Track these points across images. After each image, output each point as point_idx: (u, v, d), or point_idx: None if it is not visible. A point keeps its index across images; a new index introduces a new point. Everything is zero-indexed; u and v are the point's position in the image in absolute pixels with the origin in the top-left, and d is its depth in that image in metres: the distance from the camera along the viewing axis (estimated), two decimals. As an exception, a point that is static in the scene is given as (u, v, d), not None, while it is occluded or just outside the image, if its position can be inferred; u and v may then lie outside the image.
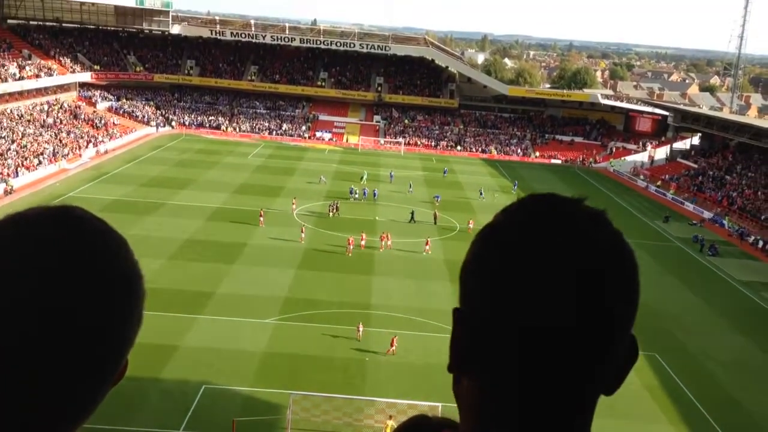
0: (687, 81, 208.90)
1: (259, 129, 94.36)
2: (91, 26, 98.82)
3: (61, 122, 76.20)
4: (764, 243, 55.95)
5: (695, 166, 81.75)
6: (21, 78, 75.73)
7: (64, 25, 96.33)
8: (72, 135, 73.13)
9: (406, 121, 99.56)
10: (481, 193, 64.64)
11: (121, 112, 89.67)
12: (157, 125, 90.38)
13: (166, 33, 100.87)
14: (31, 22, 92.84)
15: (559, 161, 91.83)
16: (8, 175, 56.66)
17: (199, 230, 47.61)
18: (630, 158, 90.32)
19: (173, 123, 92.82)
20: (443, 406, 24.00)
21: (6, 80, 73.02)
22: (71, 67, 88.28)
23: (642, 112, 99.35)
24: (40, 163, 62.06)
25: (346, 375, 28.99)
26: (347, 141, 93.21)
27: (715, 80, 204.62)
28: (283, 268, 41.22)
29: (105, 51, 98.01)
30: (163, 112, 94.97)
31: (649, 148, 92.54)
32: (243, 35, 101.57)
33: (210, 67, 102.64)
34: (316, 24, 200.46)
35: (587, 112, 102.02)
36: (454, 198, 63.71)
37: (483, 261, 1.11)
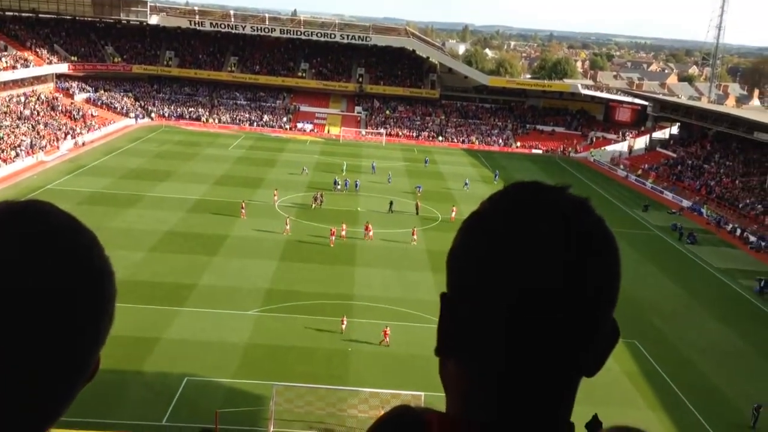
0: (666, 71, 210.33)
1: (239, 120, 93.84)
2: (68, 17, 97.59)
3: (38, 114, 75.31)
4: (742, 231, 56.63)
5: (674, 155, 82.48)
6: (-3, 69, 74.69)
7: (40, 15, 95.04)
8: (49, 127, 72.32)
9: (388, 111, 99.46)
10: (466, 184, 64.72)
11: (99, 103, 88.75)
12: (136, 117, 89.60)
13: (144, 23, 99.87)
14: (7, 13, 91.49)
15: (540, 151, 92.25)
16: (-15, 167, 55.94)
17: (180, 222, 47.35)
18: (610, 148, 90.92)
19: (152, 114, 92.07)
20: (426, 395, 24.12)
21: (-19, 72, 71.98)
22: (48, 58, 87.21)
23: (621, 102, 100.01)
24: (17, 155, 61.32)
25: (329, 365, 29.03)
26: (328, 132, 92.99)
27: (693, 70, 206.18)
28: (265, 259, 41.13)
29: (82, 42, 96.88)
30: (142, 104, 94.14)
31: (628, 137, 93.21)
32: (222, 26, 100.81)
33: (189, 58, 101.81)
34: (297, 14, 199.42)
35: (567, 102, 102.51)
36: (435, 188, 63.83)
37: (469, 248, 1.13)
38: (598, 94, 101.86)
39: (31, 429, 1.06)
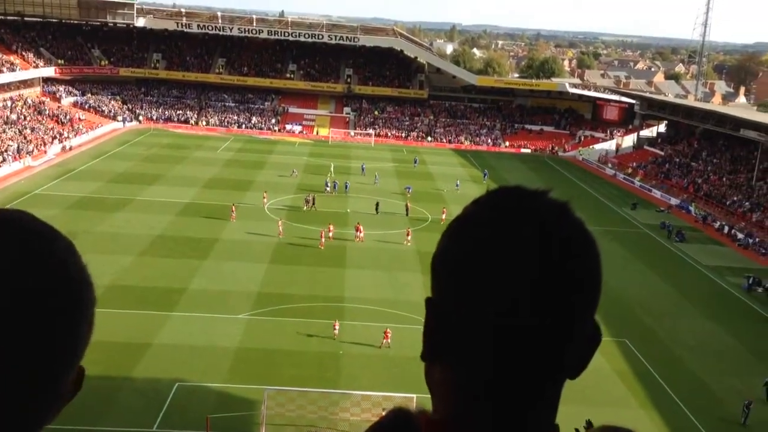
0: (653, 69, 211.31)
1: (228, 122, 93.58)
2: (54, 20, 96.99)
3: (25, 118, 74.82)
4: (730, 228, 56.97)
5: (662, 153, 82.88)
6: (-18, 74, 74.16)
7: (26, 19, 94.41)
8: (36, 131, 71.87)
9: (376, 112, 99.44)
10: (457, 185, 64.71)
11: (86, 107, 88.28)
12: (124, 120, 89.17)
13: (131, 26, 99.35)
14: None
15: (528, 150, 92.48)
16: (-29, 173, 55.54)
17: (170, 226, 47.17)
18: (598, 146, 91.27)
19: (140, 117, 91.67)
20: (418, 397, 24.13)
21: (-33, 76, 71.46)
22: (34, 62, 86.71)
23: (609, 101, 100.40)
24: (3, 160, 60.91)
25: (321, 369, 29.01)
26: (317, 133, 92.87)
27: (680, 68, 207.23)
28: (255, 262, 41.04)
29: (69, 45, 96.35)
30: (130, 107, 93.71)
31: (616, 136, 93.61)
32: (210, 27, 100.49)
33: (177, 61, 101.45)
34: (284, 15, 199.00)
35: (555, 101, 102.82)
36: (425, 189, 63.87)
37: (452, 253, 1.15)
38: (585, 92, 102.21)
39: None
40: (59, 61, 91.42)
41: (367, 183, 64.31)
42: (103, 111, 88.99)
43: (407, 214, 53.69)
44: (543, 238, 1.10)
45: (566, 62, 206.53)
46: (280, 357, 29.68)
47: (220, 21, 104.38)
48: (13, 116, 73.92)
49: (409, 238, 46.70)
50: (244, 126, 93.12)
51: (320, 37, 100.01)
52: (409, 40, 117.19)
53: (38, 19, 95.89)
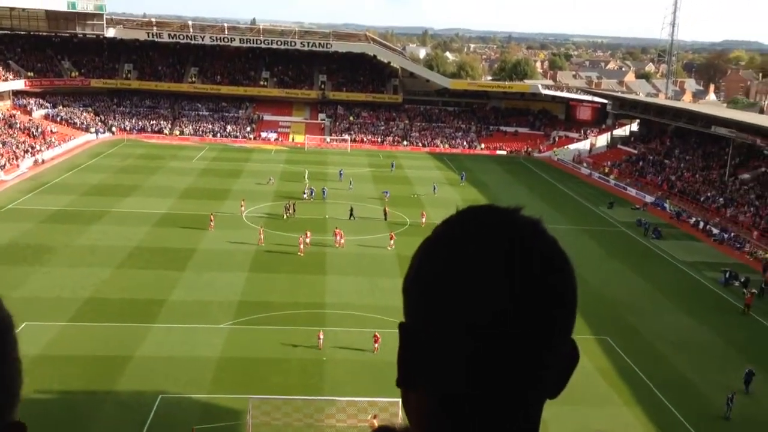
0: (623, 69, 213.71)
1: (202, 131, 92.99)
2: (23, 32, 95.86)
3: (-5, 132, 73.71)
4: (705, 224, 57.70)
5: (635, 151, 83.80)
6: (-50, 88, 72.98)
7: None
8: (8, 145, 70.85)
9: (351, 118, 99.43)
10: (434, 189, 64.75)
11: (58, 119, 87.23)
12: (97, 132, 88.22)
13: (101, 37, 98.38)
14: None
15: (504, 152, 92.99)
16: (-58, 189, 54.57)
17: (147, 237, 46.71)
18: (573, 146, 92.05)
19: (113, 129, 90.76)
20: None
21: (-66, 91, 70.27)
22: (3, 75, 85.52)
23: (582, 101, 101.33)
24: (-25, 175, 59.96)
25: (304, 376, 28.87)
26: (293, 140, 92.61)
27: (650, 67, 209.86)
28: (234, 271, 40.76)
29: (38, 57, 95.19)
30: (103, 118, 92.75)
31: (590, 136, 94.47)
32: (181, 37, 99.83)
33: (149, 70, 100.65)
34: (256, 23, 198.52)
35: (529, 102, 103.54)
36: (403, 193, 63.90)
37: (425, 274, 1.15)
38: (558, 93, 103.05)
39: None
40: (29, 74, 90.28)
41: (345, 189, 64.19)
42: (75, 123, 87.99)
43: (386, 219, 53.68)
44: (521, 253, 1.10)
45: (538, 64, 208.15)
46: (264, 365, 29.48)
47: (191, 30, 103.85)
48: (-17, 130, 72.79)
49: (392, 242, 46.70)
50: (219, 135, 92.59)
51: (293, 44, 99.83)
52: (382, 45, 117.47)
53: (6, 32, 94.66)
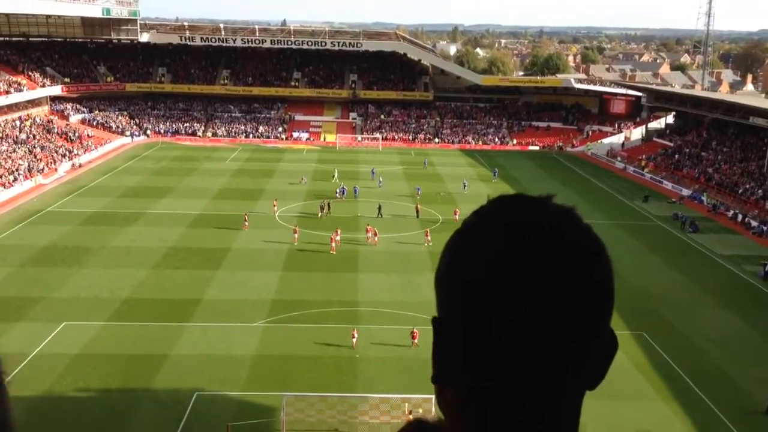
0: (658, 61, 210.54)
1: (235, 133, 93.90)
2: (59, 39, 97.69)
3: (34, 137, 75.35)
4: (743, 216, 56.60)
5: (671, 144, 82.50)
6: (-9, 95, 74.71)
7: (31, 39, 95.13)
8: (46, 150, 72.38)
9: (382, 116, 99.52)
10: (464, 186, 64.30)
11: (94, 123, 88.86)
12: (132, 135, 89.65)
13: (136, 42, 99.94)
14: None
15: (536, 147, 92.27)
16: (-16, 193, 55.94)
17: (182, 238, 47.34)
18: (606, 140, 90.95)
19: (148, 132, 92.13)
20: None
21: (-25, 98, 72.03)
22: (41, 82, 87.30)
23: (615, 95, 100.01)
24: (15, 179, 61.34)
25: (338, 373, 29.00)
26: (324, 140, 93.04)
27: (685, 58, 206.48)
28: (268, 270, 41.10)
29: (75, 63, 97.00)
30: (138, 122, 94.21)
31: (624, 129, 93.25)
32: (213, 39, 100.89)
33: (182, 74, 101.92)
34: (286, 24, 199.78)
35: (561, 97, 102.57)
36: (435, 190, 63.75)
37: (457, 268, 1.12)
38: (591, 87, 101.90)
39: None
40: (65, 80, 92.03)
41: (377, 187, 64.24)
42: (111, 127, 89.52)
43: (417, 216, 53.64)
44: (554, 241, 1.07)
45: (570, 58, 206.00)
46: (297, 363, 29.69)
47: (223, 33, 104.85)
48: (23, 136, 74.47)
49: (429, 238, 46.71)
50: (251, 135, 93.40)
51: (323, 44, 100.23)
52: (412, 42, 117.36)
53: (43, 39, 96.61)
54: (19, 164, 64.98)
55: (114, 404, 26.06)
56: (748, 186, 62.99)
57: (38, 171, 65.41)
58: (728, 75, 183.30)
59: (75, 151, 75.03)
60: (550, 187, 67.04)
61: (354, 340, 31.11)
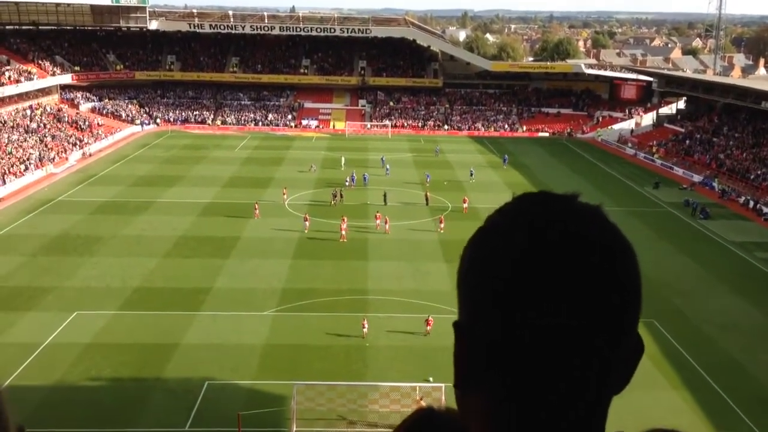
0: (669, 45, 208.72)
1: (244, 121, 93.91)
2: (69, 27, 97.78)
3: (44, 126, 75.63)
4: (755, 203, 56.21)
5: (682, 130, 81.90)
6: (1, 84, 74.97)
7: (40, 27, 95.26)
8: (57, 139, 72.63)
9: (392, 103, 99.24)
10: (471, 174, 63.79)
11: (104, 112, 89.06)
12: (142, 123, 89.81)
13: (145, 29, 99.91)
14: (7, 27, 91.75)
15: (546, 134, 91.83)
16: (-5, 183, 56.26)
17: (192, 226, 47.47)
18: (617, 126, 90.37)
19: (158, 120, 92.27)
20: (446, 386, 24.12)
21: (-14, 87, 72.30)
22: (51, 70, 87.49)
23: (626, 80, 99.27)
24: (26, 168, 61.63)
25: (348, 361, 29.08)
26: (334, 127, 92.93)
27: (697, 43, 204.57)
28: (278, 258, 41.18)
29: (84, 51, 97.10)
30: (147, 110, 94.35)
31: (635, 115, 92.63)
32: (222, 27, 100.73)
33: (191, 61, 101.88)
34: (295, 11, 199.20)
35: (572, 83, 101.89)
36: (444, 177, 63.57)
37: (478, 269, 1.09)
38: (601, 72, 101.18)
39: None
40: (75, 68, 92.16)
41: (383, 174, 64.14)
42: (120, 115, 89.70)
43: (427, 204, 53.53)
44: (580, 242, 1.05)
45: (581, 43, 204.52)
46: (308, 352, 29.78)
47: (231, 20, 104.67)
48: (33, 125, 74.74)
49: (443, 225, 46.63)
50: (260, 123, 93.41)
51: (332, 30, 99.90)
52: (421, 28, 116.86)
53: (53, 27, 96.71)
54: (30, 153, 65.25)
55: (125, 393, 26.25)
56: (759, 172, 62.50)
57: (49, 160, 65.67)
58: (740, 59, 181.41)
59: (85, 140, 75.26)
60: (561, 174, 66.81)
61: (364, 329, 31.12)
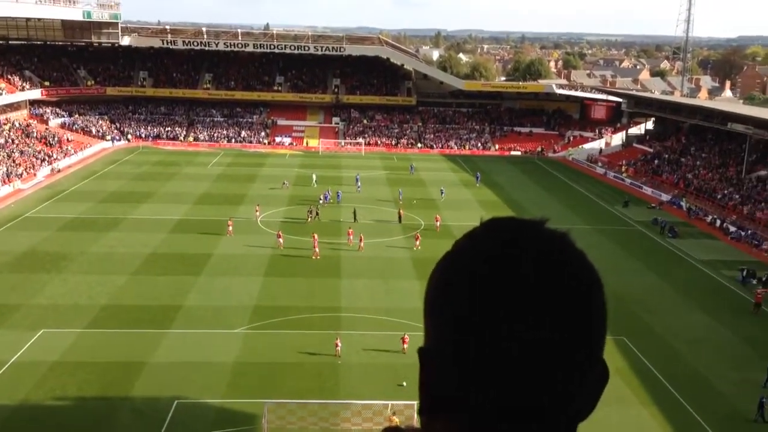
0: (638, 67, 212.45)
1: (217, 137, 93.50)
2: (39, 42, 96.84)
3: (13, 142, 74.58)
4: (721, 222, 57.16)
5: (651, 150, 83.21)
6: (-32, 99, 73.83)
7: (10, 42, 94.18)
8: (25, 154, 71.64)
9: (365, 121, 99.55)
10: (442, 192, 63.70)
11: (74, 128, 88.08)
12: (113, 139, 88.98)
13: (117, 45, 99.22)
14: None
15: (518, 153, 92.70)
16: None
17: (163, 243, 47.01)
18: (587, 146, 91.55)
19: (129, 136, 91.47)
20: (418, 404, 24.03)
21: (-47, 102, 71.15)
22: (20, 85, 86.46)
23: (596, 100, 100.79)
24: (-7, 184, 60.64)
25: (320, 380, 28.91)
26: (307, 144, 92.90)
27: (665, 65, 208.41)
28: (250, 276, 40.92)
29: (54, 66, 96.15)
30: (118, 126, 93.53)
31: (605, 135, 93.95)
32: (195, 43, 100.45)
33: (163, 78, 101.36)
34: (269, 28, 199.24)
35: (543, 102, 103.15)
36: (417, 195, 63.77)
37: (446, 295, 1.08)
38: (572, 93, 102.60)
39: None
40: (45, 83, 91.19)
41: (362, 192, 64.17)
42: (91, 131, 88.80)
43: (400, 221, 53.62)
44: (547, 269, 1.05)
45: (552, 63, 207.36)
46: (279, 370, 29.56)
47: (205, 36, 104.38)
48: (1, 140, 73.68)
49: (418, 242, 46.73)
50: (233, 140, 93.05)
51: (306, 48, 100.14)
52: (395, 47, 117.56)
53: (23, 42, 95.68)
54: (-2, 169, 64.23)
55: (92, 413, 25.79)
56: (726, 191, 63.65)
57: (17, 176, 64.71)
58: (707, 81, 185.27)
59: (54, 156, 74.34)
60: (532, 192, 67.41)
61: (338, 348, 30.91)
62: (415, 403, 23.01)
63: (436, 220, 52.25)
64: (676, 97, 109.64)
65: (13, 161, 68.27)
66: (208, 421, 25.22)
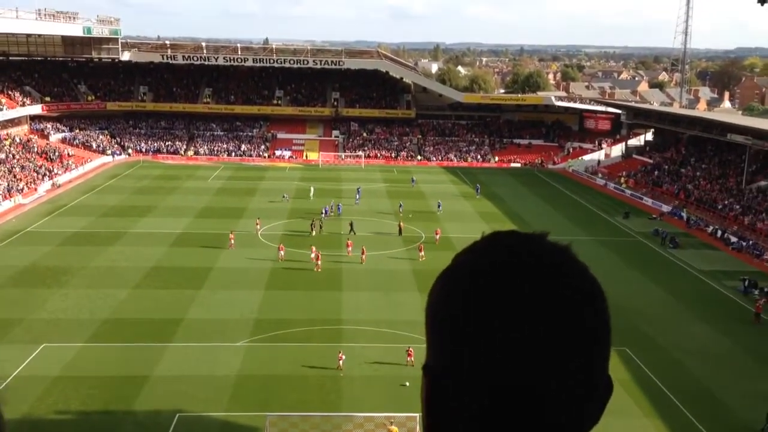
0: (637, 78, 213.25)
1: (217, 151, 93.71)
2: (39, 58, 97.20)
3: (13, 157, 74.71)
4: (722, 232, 57.19)
5: (650, 161, 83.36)
6: (-31, 114, 74.04)
7: (11, 58, 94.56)
8: (26, 169, 71.77)
9: (365, 134, 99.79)
10: (438, 206, 63.34)
11: (75, 142, 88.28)
12: (113, 154, 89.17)
13: (117, 60, 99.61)
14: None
15: (518, 164, 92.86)
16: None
17: (164, 257, 47.01)
18: (587, 157, 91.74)
19: (129, 150, 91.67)
20: (421, 416, 23.97)
21: (-46, 117, 71.34)
22: (21, 101, 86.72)
23: (595, 112, 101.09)
24: (-6, 199, 60.70)
25: (322, 392, 28.83)
26: (307, 158, 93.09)
27: (663, 76, 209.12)
28: (251, 289, 40.89)
29: (55, 82, 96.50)
30: (119, 140, 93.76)
31: (604, 146, 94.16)
32: (195, 58, 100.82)
33: (163, 92, 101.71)
34: (268, 43, 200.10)
35: (542, 114, 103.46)
36: (416, 208, 63.84)
37: (447, 311, 1.08)
38: (571, 105, 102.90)
39: None
40: (46, 99, 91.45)
41: (361, 205, 64.25)
42: (91, 146, 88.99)
43: (400, 234, 53.62)
44: (547, 291, 1.04)
45: (551, 76, 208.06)
46: (281, 383, 29.49)
47: (205, 51, 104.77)
48: (2, 155, 73.81)
49: (422, 254, 46.74)
50: (233, 154, 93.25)
51: (305, 62, 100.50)
52: (394, 61, 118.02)
53: (23, 58, 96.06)
54: (-1, 184, 64.34)
55: (94, 427, 25.72)
56: (726, 202, 63.73)
57: (18, 191, 64.81)
58: (706, 92, 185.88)
59: (55, 171, 74.48)
60: (532, 204, 67.46)
61: (341, 362, 30.78)
62: (417, 415, 22.97)
63: (436, 233, 52.26)
64: (675, 109, 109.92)
65: (14, 176, 68.38)
66: (210, 435, 25.12)
